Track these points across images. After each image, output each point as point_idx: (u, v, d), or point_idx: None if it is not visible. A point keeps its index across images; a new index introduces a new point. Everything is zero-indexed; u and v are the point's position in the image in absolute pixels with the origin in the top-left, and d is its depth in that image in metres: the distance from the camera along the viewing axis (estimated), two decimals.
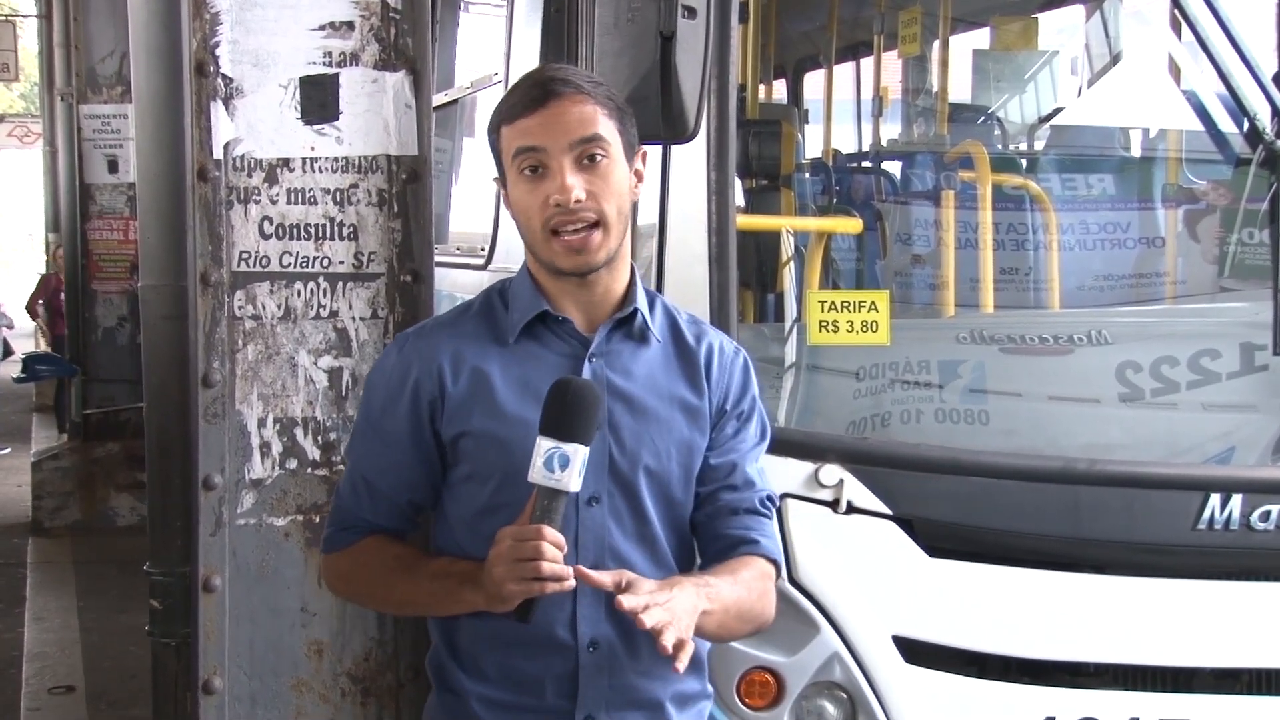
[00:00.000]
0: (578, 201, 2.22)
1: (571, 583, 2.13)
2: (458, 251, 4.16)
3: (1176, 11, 4.05)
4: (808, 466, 3.08)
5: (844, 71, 6.70)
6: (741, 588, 2.32)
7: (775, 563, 2.42)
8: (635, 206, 3.07)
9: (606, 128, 2.26)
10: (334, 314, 2.97)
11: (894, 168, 5.41)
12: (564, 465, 2.09)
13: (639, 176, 2.36)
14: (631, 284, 2.38)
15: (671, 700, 2.39)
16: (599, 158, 2.24)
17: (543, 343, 2.35)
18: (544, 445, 2.10)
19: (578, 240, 2.24)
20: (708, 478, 2.40)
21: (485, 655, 2.36)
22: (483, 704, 2.36)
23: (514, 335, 2.34)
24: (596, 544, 2.30)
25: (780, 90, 7.21)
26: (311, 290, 2.96)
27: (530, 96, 2.26)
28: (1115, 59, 4.61)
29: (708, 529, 2.40)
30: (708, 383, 2.39)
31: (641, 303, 2.37)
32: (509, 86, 3.55)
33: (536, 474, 2.10)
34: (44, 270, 15.24)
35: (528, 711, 2.34)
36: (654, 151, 3.06)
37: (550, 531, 2.10)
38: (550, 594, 2.13)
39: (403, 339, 2.44)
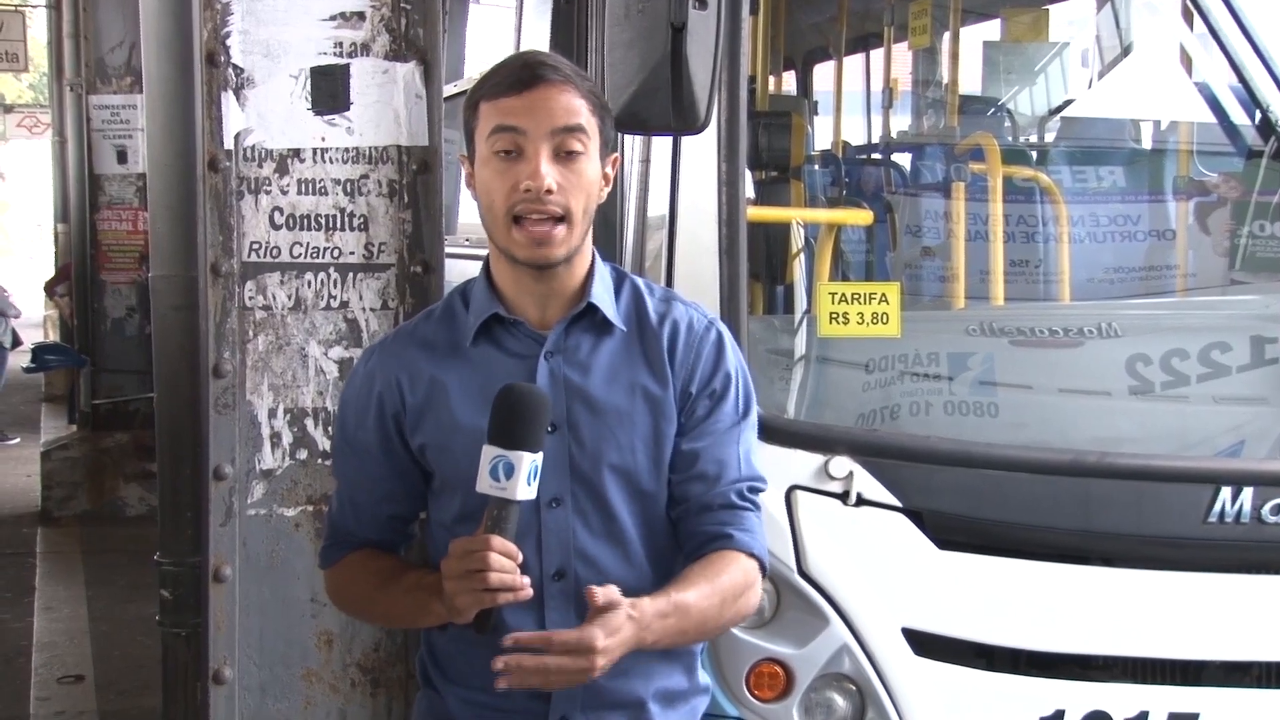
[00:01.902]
0: (548, 192, 2.16)
1: (527, 593, 2.10)
2: (467, 242, 4.15)
3: (1188, 2, 4.04)
4: (817, 458, 3.07)
5: (854, 63, 6.68)
6: (700, 592, 2.22)
7: (754, 555, 2.31)
8: (636, 204, 3.12)
9: (589, 122, 2.21)
10: (344, 305, 2.98)
11: (904, 160, 5.41)
12: (509, 474, 2.06)
13: (607, 180, 2.30)
14: (589, 276, 2.31)
15: (655, 698, 2.35)
16: (576, 151, 2.20)
17: (500, 345, 2.30)
18: (489, 454, 2.07)
19: (540, 232, 2.19)
20: (678, 465, 2.31)
21: (460, 657, 2.35)
22: (459, 703, 2.37)
23: (469, 339, 2.30)
24: (561, 546, 2.27)
25: (790, 82, 7.21)
26: (322, 281, 2.97)
27: (517, 77, 2.21)
28: (1126, 51, 4.60)
29: (681, 527, 2.33)
30: (671, 366, 2.31)
31: (600, 295, 2.30)
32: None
33: (483, 483, 2.07)
34: (54, 261, 15.23)
35: (502, 711, 2.33)
36: (664, 143, 3.08)
37: (499, 541, 2.06)
38: (506, 604, 2.11)
39: (369, 353, 2.43)
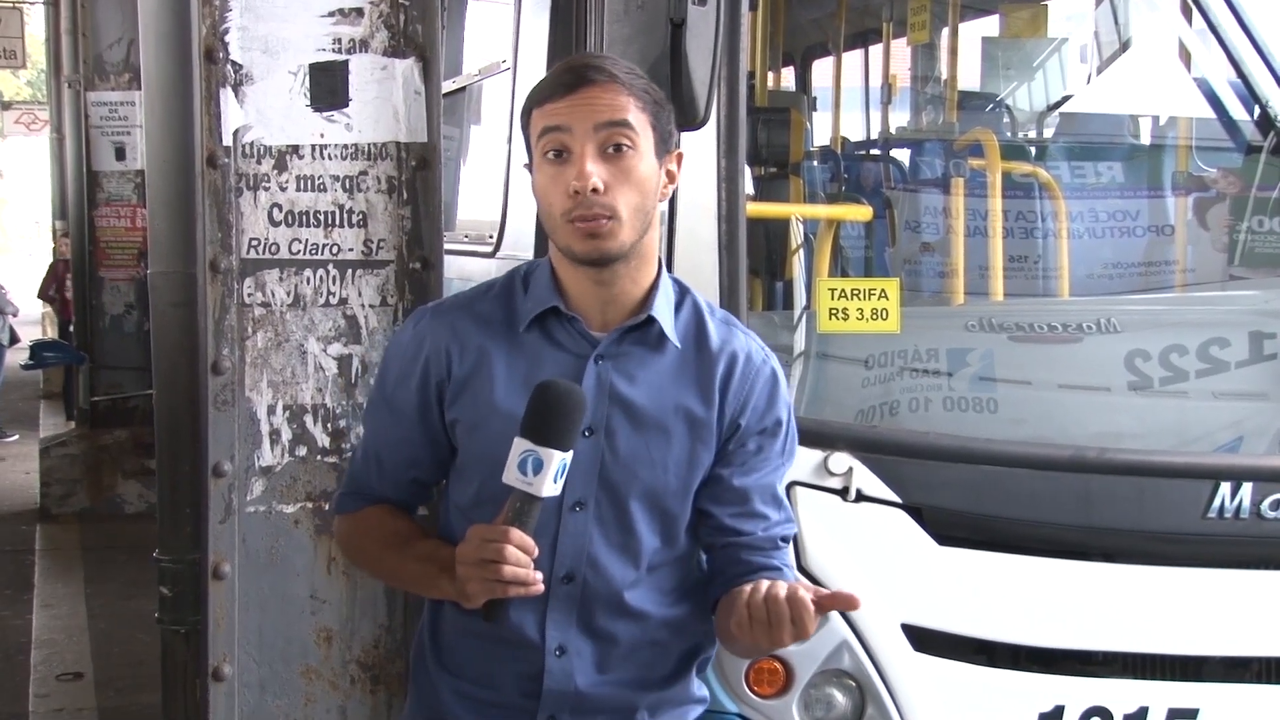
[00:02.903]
0: (594, 191, 2.15)
1: (539, 588, 2.09)
2: (466, 239, 4.15)
3: None
4: (817, 454, 3.07)
5: (853, 59, 6.70)
6: None
7: None
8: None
9: (638, 119, 2.20)
10: (343, 301, 2.97)
11: (903, 155, 5.41)
12: (537, 469, 2.05)
13: (670, 177, 2.29)
14: (654, 288, 2.30)
15: (647, 707, 2.36)
16: (624, 148, 2.18)
17: (552, 338, 2.29)
18: (520, 447, 2.06)
19: (592, 225, 2.18)
20: (725, 498, 2.32)
21: (460, 647, 2.35)
22: (452, 694, 2.37)
23: (524, 325, 2.29)
24: (575, 550, 2.27)
25: (789, 78, 7.21)
26: (321, 277, 2.96)
27: (563, 81, 2.21)
28: (1125, 46, 4.60)
29: (725, 556, 2.33)
30: (723, 395, 2.30)
31: (661, 309, 2.29)
32: (516, 74, 3.57)
33: (510, 475, 2.07)
34: (52, 256, 15.24)
35: (492, 706, 2.33)
36: None
37: (518, 535, 2.06)
38: (517, 597, 2.11)
39: (420, 314, 2.41)
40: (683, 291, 2.37)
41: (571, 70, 2.23)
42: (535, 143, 2.23)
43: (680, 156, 2.33)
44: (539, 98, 2.24)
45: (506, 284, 2.37)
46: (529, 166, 2.29)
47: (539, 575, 2.09)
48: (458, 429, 2.31)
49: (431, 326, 2.34)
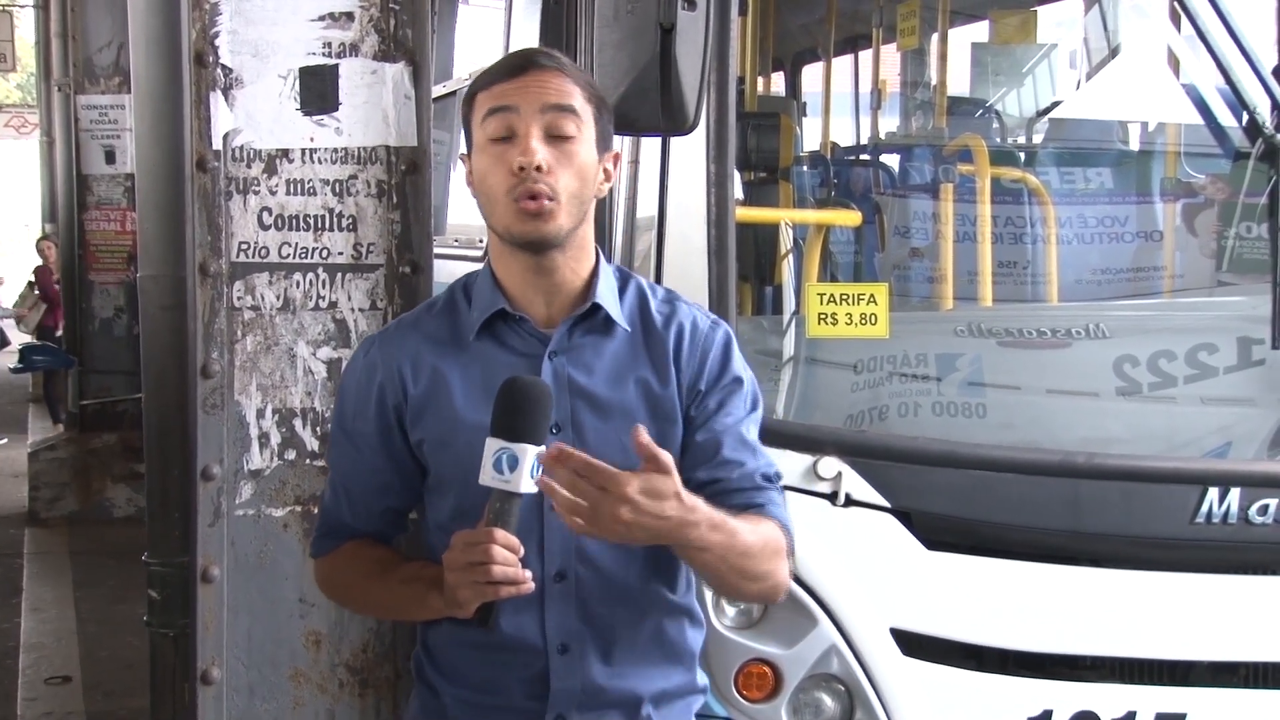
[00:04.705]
0: (538, 169, 2.18)
1: (529, 586, 2.09)
2: (456, 243, 4.15)
3: (1175, 4, 4.05)
4: (806, 459, 3.08)
5: (842, 64, 6.70)
6: (747, 527, 2.20)
7: (785, 527, 2.31)
8: (625, 204, 3.12)
9: (583, 108, 2.23)
10: (333, 305, 2.97)
11: (892, 161, 5.41)
12: (513, 466, 2.05)
13: (607, 175, 2.31)
14: (594, 275, 2.32)
15: (651, 698, 2.34)
16: (569, 133, 2.21)
17: (502, 342, 2.30)
18: (493, 446, 2.07)
19: (533, 205, 2.20)
20: (698, 458, 2.31)
21: (457, 658, 2.34)
22: (456, 702, 2.36)
23: (472, 334, 2.30)
24: (563, 548, 2.26)
25: (779, 83, 7.22)
26: (310, 281, 2.96)
27: (512, 64, 2.25)
28: (1114, 52, 4.62)
29: None
30: (676, 366, 2.31)
31: (605, 295, 2.30)
32: None
33: (486, 476, 2.07)
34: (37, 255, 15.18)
35: (498, 711, 2.32)
36: (653, 144, 3.08)
37: (502, 534, 2.05)
38: (508, 598, 2.10)
39: (369, 342, 2.42)
40: (625, 277, 2.39)
41: (520, 55, 2.28)
42: (478, 126, 2.25)
43: (617, 157, 2.36)
44: (485, 82, 2.26)
45: (448, 299, 2.38)
46: (465, 156, 2.31)
47: (528, 574, 2.09)
48: (425, 448, 2.31)
49: (381, 353, 2.35)
